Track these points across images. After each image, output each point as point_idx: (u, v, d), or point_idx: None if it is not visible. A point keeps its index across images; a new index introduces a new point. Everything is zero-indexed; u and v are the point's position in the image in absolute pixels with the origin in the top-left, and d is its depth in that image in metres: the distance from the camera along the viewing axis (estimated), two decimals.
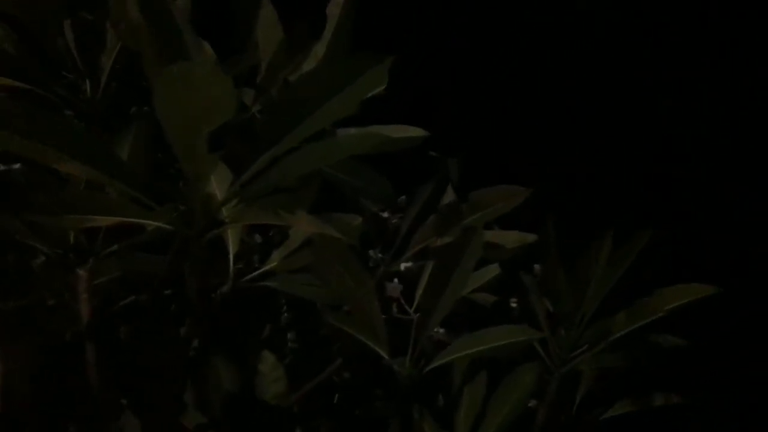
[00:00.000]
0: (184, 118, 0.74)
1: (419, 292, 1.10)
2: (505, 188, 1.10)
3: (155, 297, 1.01)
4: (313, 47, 1.07)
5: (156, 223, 0.86)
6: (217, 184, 0.95)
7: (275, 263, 0.94)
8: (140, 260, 0.97)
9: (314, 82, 0.81)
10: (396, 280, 1.17)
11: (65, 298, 0.94)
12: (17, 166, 0.94)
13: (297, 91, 0.83)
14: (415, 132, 1.12)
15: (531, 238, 1.16)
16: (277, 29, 1.07)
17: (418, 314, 1.06)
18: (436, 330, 1.15)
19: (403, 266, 1.17)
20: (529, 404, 1.15)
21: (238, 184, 0.87)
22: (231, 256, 0.93)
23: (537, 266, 1.22)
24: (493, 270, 1.21)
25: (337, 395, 1.17)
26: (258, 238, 1.19)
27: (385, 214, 1.22)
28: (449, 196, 1.20)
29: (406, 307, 1.15)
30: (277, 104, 0.87)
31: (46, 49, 1.03)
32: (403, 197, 1.21)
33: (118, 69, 1.08)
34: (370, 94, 1.10)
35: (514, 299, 1.22)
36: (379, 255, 1.17)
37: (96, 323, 0.93)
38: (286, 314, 1.21)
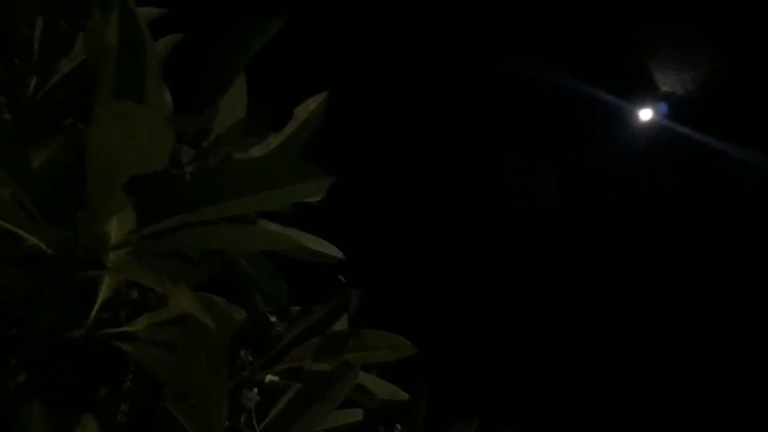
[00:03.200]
0: (113, 155, 0.71)
1: (274, 411, 1.04)
2: (395, 338, 1.09)
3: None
4: (270, 137, 1.08)
5: (35, 240, 0.80)
6: (117, 229, 0.89)
7: (139, 327, 0.87)
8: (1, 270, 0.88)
9: (255, 169, 0.80)
10: (256, 389, 1.10)
11: None
12: None
13: (236, 170, 0.82)
14: (333, 252, 1.11)
15: (403, 396, 1.14)
16: (241, 105, 1.08)
17: None
18: None
19: (269, 378, 1.11)
20: None
21: (138, 235, 0.82)
22: (97, 304, 0.86)
23: (399, 427, 1.18)
24: (355, 414, 1.17)
25: None
26: (135, 293, 1.12)
27: (273, 318, 1.17)
28: (341, 324, 1.18)
29: (255, 422, 1.08)
30: (212, 173, 0.85)
31: (5, 27, 1.00)
32: (298, 308, 1.17)
33: (72, 79, 1.05)
34: (305, 200, 1.10)
35: None
36: (249, 358, 1.11)
37: None
38: (129, 383, 1.11)
